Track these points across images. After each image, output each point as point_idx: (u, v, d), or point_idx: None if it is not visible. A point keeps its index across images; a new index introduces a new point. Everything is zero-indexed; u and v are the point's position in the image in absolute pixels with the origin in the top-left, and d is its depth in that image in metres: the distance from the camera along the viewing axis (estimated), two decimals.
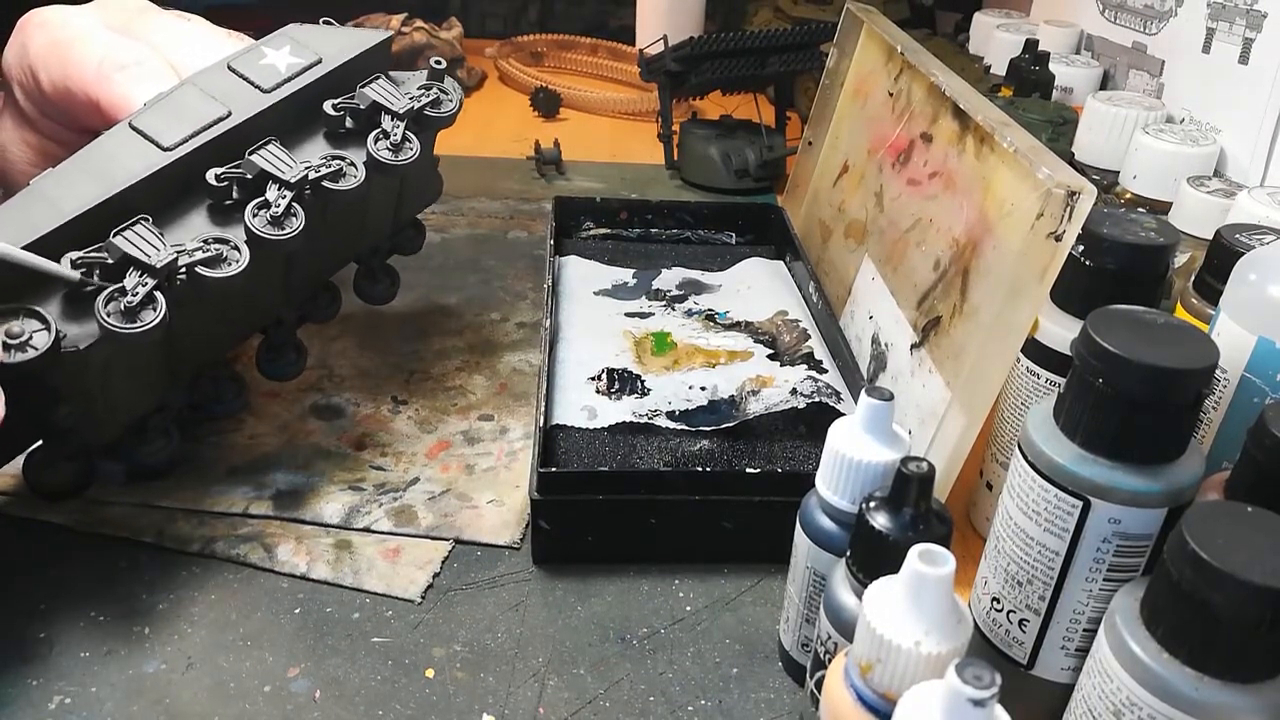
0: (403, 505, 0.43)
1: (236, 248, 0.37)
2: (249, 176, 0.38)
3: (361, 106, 0.42)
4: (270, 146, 0.39)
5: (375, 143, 0.41)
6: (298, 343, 0.46)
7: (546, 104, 0.92)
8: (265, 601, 0.38)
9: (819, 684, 0.30)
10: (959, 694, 0.21)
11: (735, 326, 0.53)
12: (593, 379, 0.47)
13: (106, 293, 0.34)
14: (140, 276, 0.35)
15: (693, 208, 0.64)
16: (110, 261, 0.35)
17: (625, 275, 0.58)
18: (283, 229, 0.38)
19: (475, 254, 0.65)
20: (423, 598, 0.38)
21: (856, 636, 0.27)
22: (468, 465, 0.46)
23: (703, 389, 0.47)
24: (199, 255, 0.36)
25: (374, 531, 0.41)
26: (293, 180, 0.38)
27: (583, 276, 0.58)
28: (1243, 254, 0.34)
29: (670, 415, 0.45)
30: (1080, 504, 0.28)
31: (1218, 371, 0.32)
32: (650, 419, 0.45)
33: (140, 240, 0.35)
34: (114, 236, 0.35)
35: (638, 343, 0.51)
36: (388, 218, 0.49)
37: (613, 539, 0.40)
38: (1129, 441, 0.28)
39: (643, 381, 0.47)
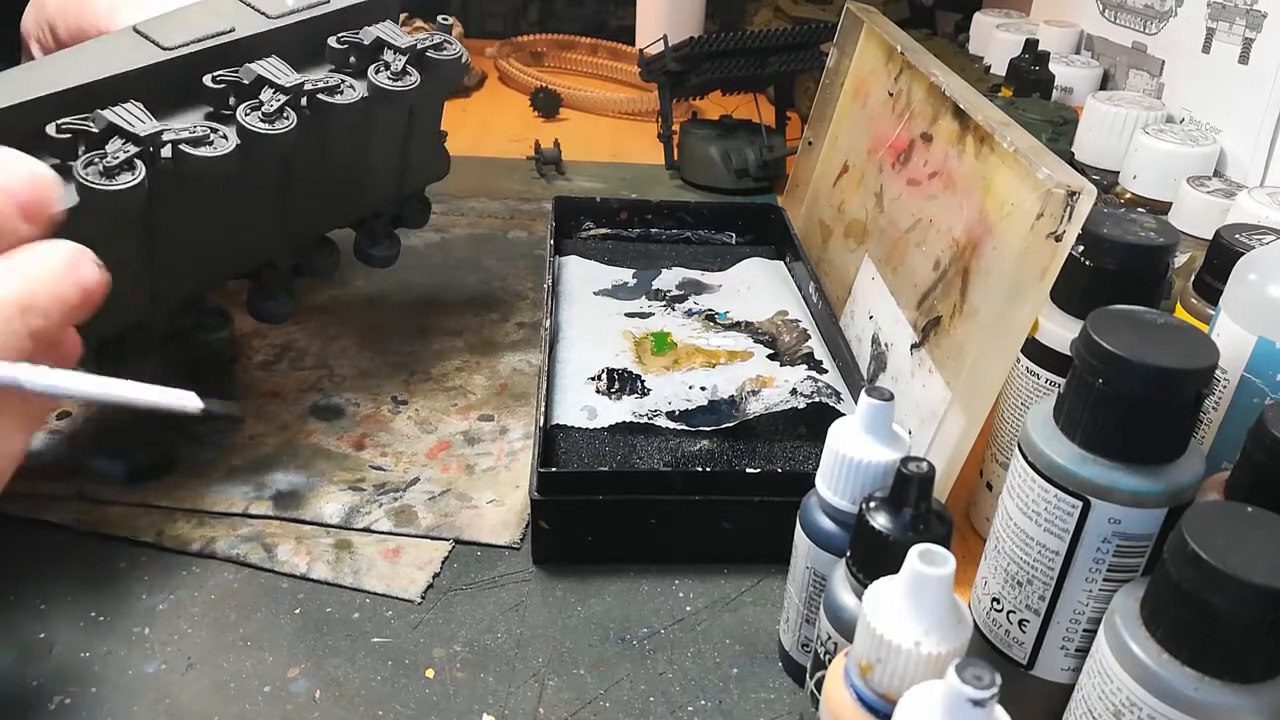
0: (403, 505, 0.43)
1: (225, 136, 0.37)
2: (245, 82, 0.39)
3: (365, 42, 0.42)
4: (270, 59, 0.39)
5: (376, 73, 0.42)
6: (289, 286, 0.46)
7: (546, 104, 0.92)
8: (265, 601, 0.38)
9: (819, 684, 0.30)
10: (959, 694, 0.21)
11: (735, 326, 0.53)
12: (593, 379, 0.47)
13: (86, 156, 0.34)
14: (123, 144, 0.35)
15: (693, 208, 0.64)
16: (95, 130, 0.35)
17: (625, 275, 0.58)
18: (273, 126, 0.38)
19: (475, 254, 0.65)
20: (423, 598, 0.38)
21: (856, 637, 0.27)
22: (468, 465, 0.46)
23: (703, 389, 0.47)
24: (184, 135, 0.36)
25: (374, 531, 0.41)
26: (288, 85, 0.39)
27: (583, 276, 0.58)
28: (1242, 254, 0.34)
29: (670, 415, 0.45)
30: (1080, 504, 0.28)
31: (1218, 371, 0.32)
32: (650, 419, 0.45)
33: (127, 114, 0.35)
34: (103, 110, 0.35)
35: (638, 343, 0.51)
36: (391, 177, 0.49)
37: (613, 539, 0.40)
38: (1129, 441, 0.28)
39: (643, 381, 0.47)
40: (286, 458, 0.45)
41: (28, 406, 0.29)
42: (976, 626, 0.33)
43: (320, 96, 0.40)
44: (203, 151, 0.36)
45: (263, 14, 0.41)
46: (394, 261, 0.51)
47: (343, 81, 0.41)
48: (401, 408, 0.49)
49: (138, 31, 0.38)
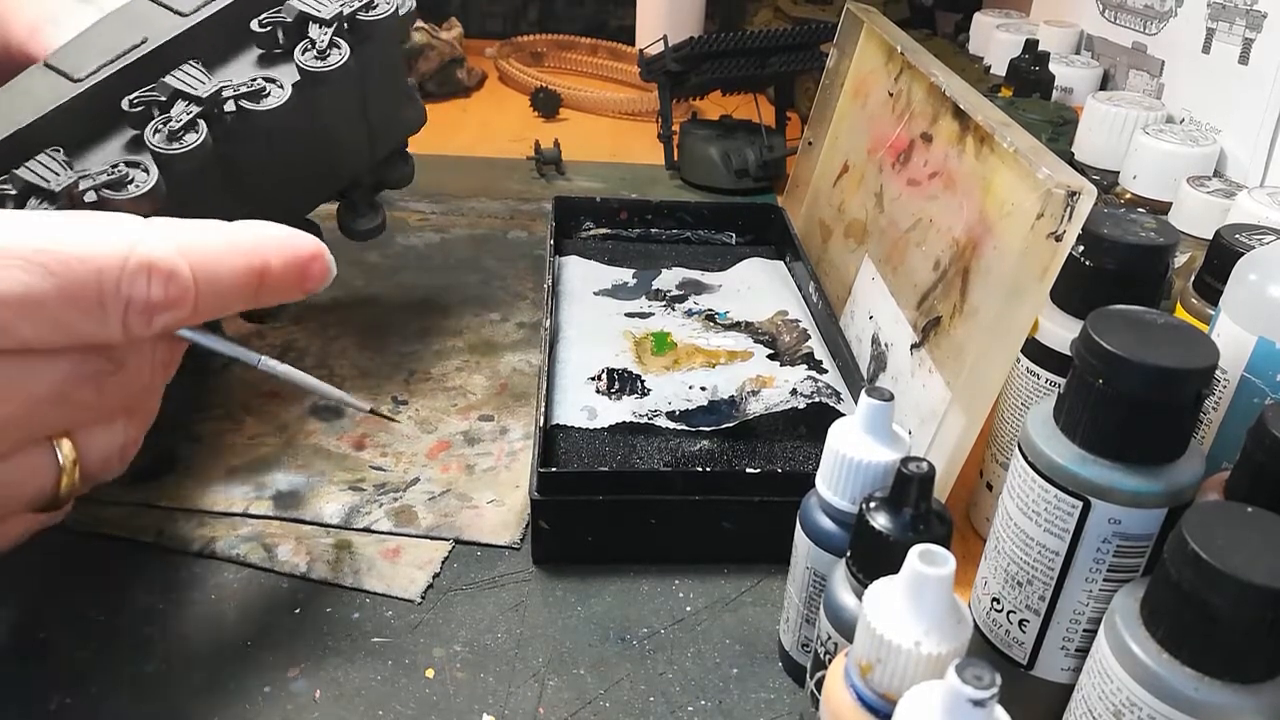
0: (403, 505, 0.43)
1: (145, 169, 0.36)
2: (163, 98, 0.37)
3: (289, 19, 0.41)
4: (185, 66, 0.38)
5: (302, 54, 0.40)
6: None
7: (546, 104, 0.92)
8: (265, 601, 0.38)
9: (819, 684, 0.30)
10: (959, 694, 0.21)
11: (735, 326, 0.53)
12: (593, 379, 0.47)
13: None
14: (40, 203, 0.34)
15: (693, 208, 0.64)
16: (14, 193, 0.35)
17: (625, 275, 0.58)
18: (180, 144, 0.37)
19: (475, 254, 0.65)
20: (423, 598, 0.38)
21: (856, 637, 0.27)
22: (468, 465, 0.46)
23: (703, 389, 0.47)
24: (102, 179, 0.36)
25: (374, 531, 0.41)
26: (204, 96, 0.37)
27: (583, 276, 0.58)
28: (1243, 254, 0.34)
29: (670, 415, 0.45)
30: (1080, 504, 0.28)
31: (1218, 371, 0.32)
32: (650, 419, 0.45)
33: (43, 169, 0.35)
34: (19, 169, 0.35)
35: (638, 343, 0.51)
36: (361, 144, 0.47)
37: (613, 539, 0.40)
38: (1129, 442, 0.28)
39: (643, 381, 0.47)
40: (286, 458, 0.45)
41: (177, 354, 0.34)
42: (976, 626, 0.33)
43: (244, 104, 0.38)
44: (125, 194, 0.36)
45: (175, 11, 0.39)
46: (380, 232, 0.50)
47: (269, 82, 0.39)
48: (401, 408, 0.49)
49: (49, 66, 0.37)
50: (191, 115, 0.37)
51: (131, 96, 0.37)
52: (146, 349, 0.31)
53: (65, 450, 0.31)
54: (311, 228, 0.47)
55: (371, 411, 0.37)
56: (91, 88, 0.37)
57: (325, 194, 0.48)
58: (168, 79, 0.38)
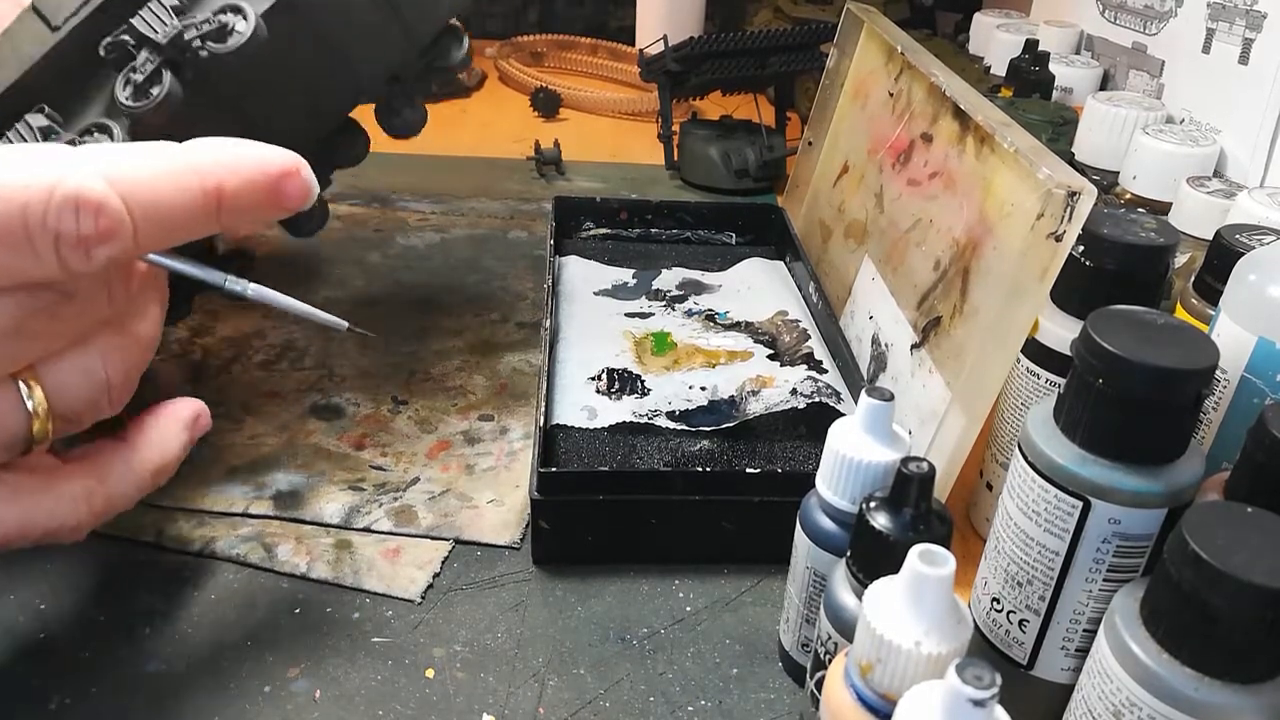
0: (403, 505, 0.43)
1: (111, 133, 0.35)
2: (133, 43, 0.36)
3: None
4: (153, 2, 0.36)
5: None
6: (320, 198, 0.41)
7: (546, 104, 0.92)
8: (265, 601, 0.38)
9: (819, 684, 0.30)
10: (959, 694, 0.21)
11: (735, 326, 0.53)
12: (593, 379, 0.47)
13: None
14: None
15: (693, 208, 0.64)
16: None
17: (625, 275, 0.58)
18: (147, 98, 0.35)
19: (475, 254, 0.65)
20: (423, 598, 0.39)
21: (856, 637, 0.27)
22: (468, 465, 0.46)
23: (703, 389, 0.47)
24: (84, 141, 0.35)
25: (374, 531, 0.41)
26: (163, 43, 0.36)
27: (583, 276, 0.58)
28: (1243, 254, 0.34)
29: (670, 415, 0.45)
30: (1080, 504, 0.28)
31: (1218, 372, 0.32)
32: (650, 419, 0.45)
33: (28, 130, 0.34)
34: (8, 132, 0.34)
35: (638, 343, 0.51)
36: (389, 37, 0.44)
37: (613, 539, 0.40)
38: (1129, 442, 0.28)
39: (643, 381, 0.47)
40: (286, 458, 0.45)
41: (160, 283, 0.33)
42: (976, 626, 0.33)
43: (210, 45, 0.36)
44: None
45: None
46: (421, 127, 0.46)
47: (235, 13, 0.36)
48: (401, 408, 0.49)
49: (35, 10, 0.36)
50: (155, 64, 0.35)
51: (105, 41, 0.36)
52: (98, 276, 0.30)
53: (37, 396, 0.30)
54: (350, 130, 0.44)
55: (349, 329, 0.36)
56: (69, 34, 0.35)
57: (356, 97, 0.45)
58: (134, 20, 0.36)
